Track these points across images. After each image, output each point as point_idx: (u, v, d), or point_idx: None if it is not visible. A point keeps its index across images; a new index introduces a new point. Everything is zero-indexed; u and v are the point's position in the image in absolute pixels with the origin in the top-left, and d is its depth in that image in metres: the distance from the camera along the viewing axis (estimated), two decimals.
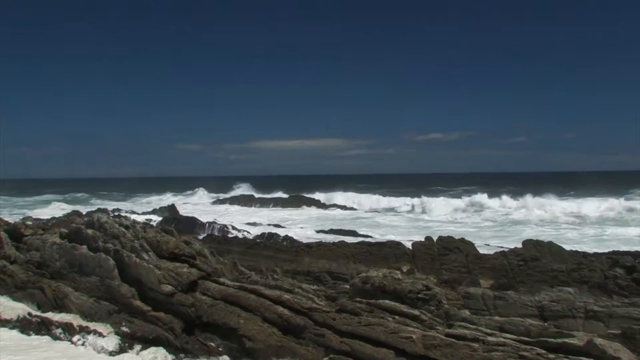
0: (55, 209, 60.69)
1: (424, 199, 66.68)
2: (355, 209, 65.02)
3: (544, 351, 7.96)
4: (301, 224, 46.54)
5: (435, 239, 22.78)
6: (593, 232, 38.58)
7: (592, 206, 54.42)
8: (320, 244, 24.66)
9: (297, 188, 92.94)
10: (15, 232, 14.02)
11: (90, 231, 12.25)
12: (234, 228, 38.71)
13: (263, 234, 33.95)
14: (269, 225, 43.60)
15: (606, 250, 27.63)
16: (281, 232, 35.17)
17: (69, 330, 10.39)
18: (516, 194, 65.01)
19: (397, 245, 23.14)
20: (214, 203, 79.39)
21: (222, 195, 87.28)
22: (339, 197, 74.61)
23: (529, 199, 60.27)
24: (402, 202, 68.20)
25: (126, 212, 51.44)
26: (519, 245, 23.50)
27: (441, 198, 67.85)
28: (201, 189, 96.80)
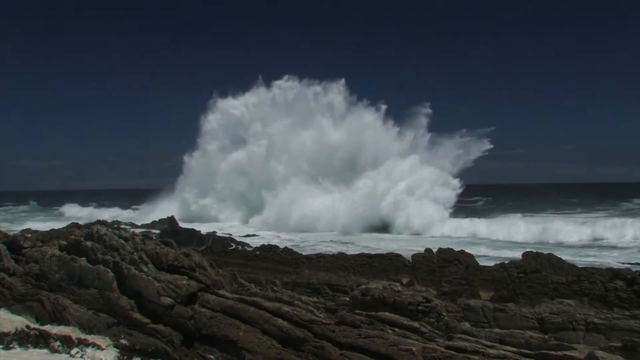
0: None
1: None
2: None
3: None
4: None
5: (434, 250, 22.75)
6: None
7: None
8: (319, 256, 24.61)
9: None
10: (14, 244, 14.01)
11: (89, 243, 12.25)
12: (232, 240, 38.66)
13: (263, 245, 33.89)
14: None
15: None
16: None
17: (67, 343, 10.35)
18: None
19: (397, 257, 23.07)
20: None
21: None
22: None
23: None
24: None
25: (125, 224, 51.41)
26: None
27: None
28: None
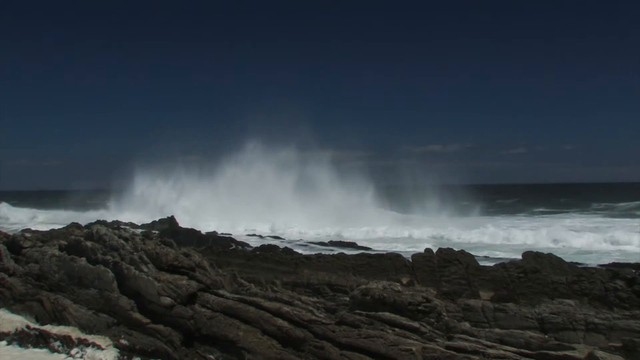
0: None
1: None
2: None
3: None
4: None
5: (434, 250, 22.76)
6: None
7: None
8: (319, 256, 24.61)
9: None
10: (14, 244, 14.00)
11: (89, 243, 12.25)
12: (232, 240, 38.69)
13: (263, 245, 33.92)
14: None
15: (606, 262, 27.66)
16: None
17: (67, 343, 10.35)
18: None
19: (397, 257, 23.08)
20: None
21: None
22: None
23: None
24: None
25: (125, 224, 51.37)
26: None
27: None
28: None
